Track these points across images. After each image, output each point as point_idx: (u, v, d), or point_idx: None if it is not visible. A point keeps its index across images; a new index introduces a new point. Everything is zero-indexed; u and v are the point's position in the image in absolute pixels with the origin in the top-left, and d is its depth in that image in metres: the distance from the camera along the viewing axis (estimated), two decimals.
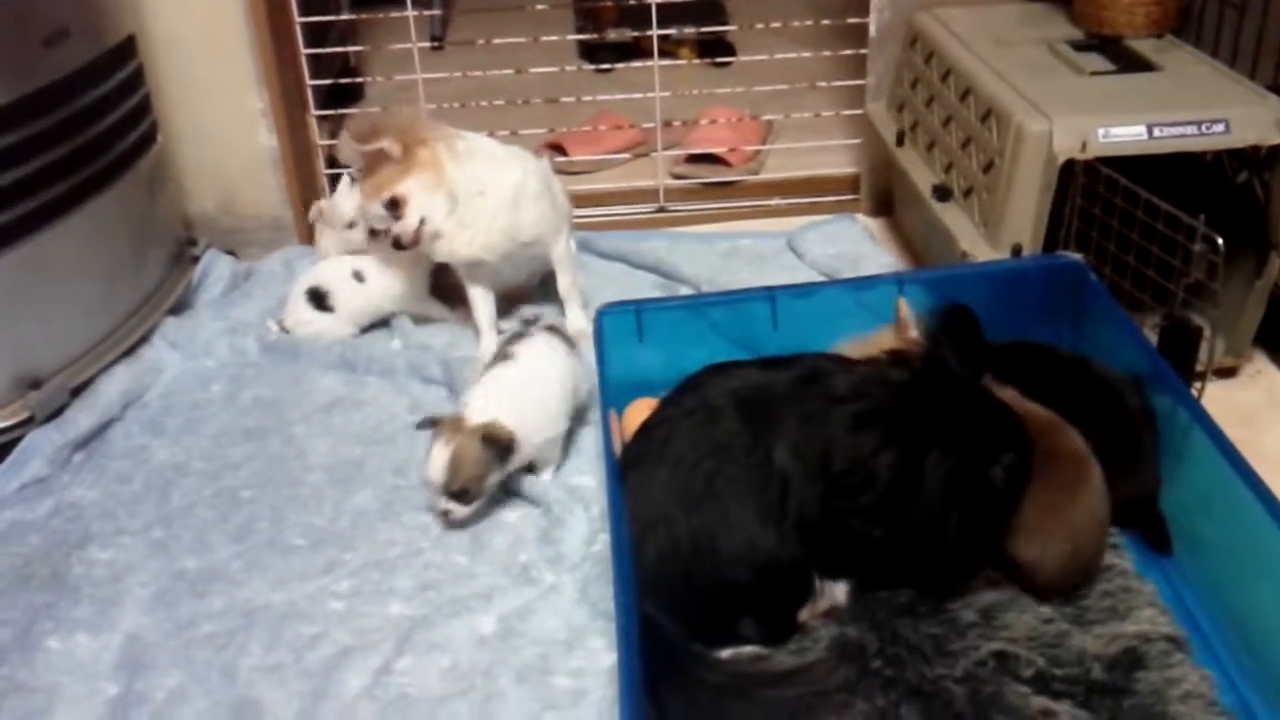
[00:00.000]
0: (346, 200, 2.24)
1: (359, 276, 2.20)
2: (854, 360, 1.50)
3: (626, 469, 1.49)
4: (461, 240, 2.04)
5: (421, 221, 1.99)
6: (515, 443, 1.70)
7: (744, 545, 1.40)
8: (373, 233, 2.15)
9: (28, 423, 1.91)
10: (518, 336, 1.86)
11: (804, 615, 1.45)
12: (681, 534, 1.41)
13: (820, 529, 1.40)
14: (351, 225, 2.25)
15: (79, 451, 1.93)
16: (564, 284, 2.21)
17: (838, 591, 1.46)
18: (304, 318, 2.21)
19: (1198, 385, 1.81)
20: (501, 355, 1.82)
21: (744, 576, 1.41)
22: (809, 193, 2.71)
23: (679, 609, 1.38)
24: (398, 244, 2.00)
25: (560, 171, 2.37)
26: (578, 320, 2.19)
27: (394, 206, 1.97)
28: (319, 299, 2.20)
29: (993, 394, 1.46)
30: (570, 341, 1.91)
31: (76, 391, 1.99)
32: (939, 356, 1.43)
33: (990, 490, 1.39)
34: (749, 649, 1.42)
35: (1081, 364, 1.69)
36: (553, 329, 1.90)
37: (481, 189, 2.03)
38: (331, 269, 2.23)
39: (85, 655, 1.54)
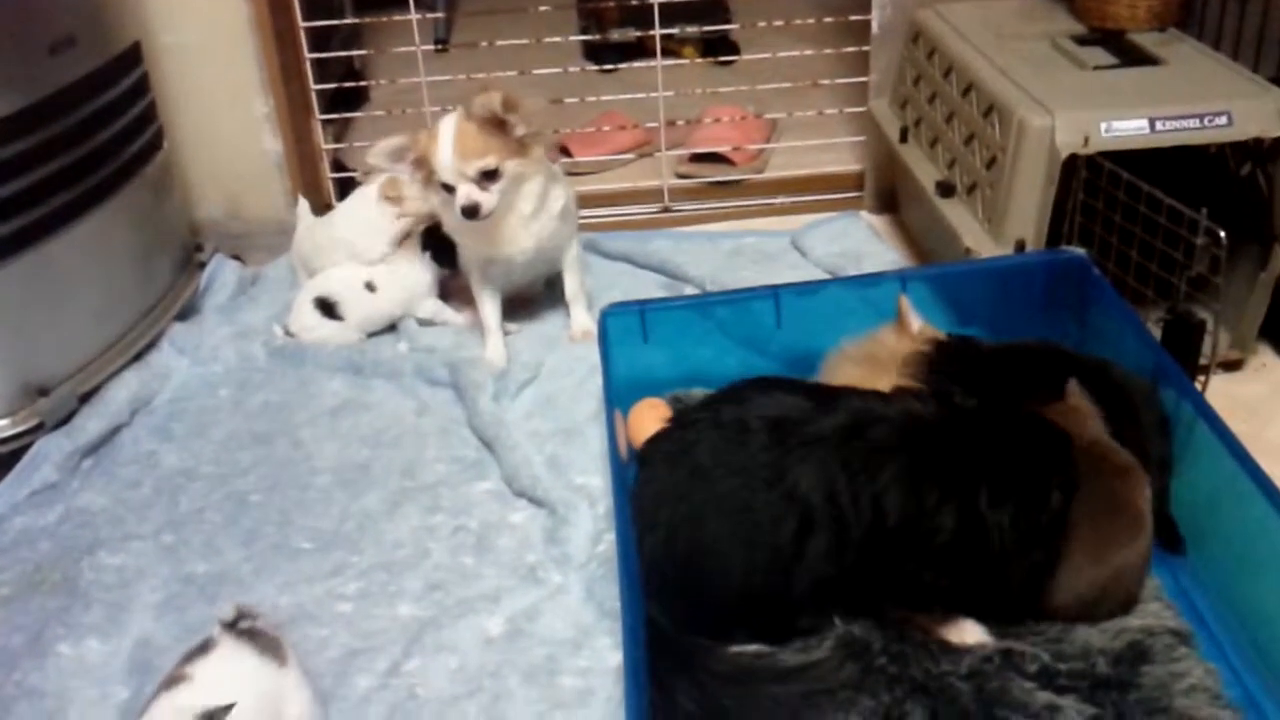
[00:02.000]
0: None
1: (370, 287, 2.22)
2: (892, 397, 1.46)
3: (644, 463, 1.48)
4: (502, 238, 2.06)
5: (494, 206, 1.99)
6: None
7: (736, 571, 1.38)
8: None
9: (37, 429, 1.92)
10: (200, 650, 1.35)
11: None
12: (679, 541, 1.40)
13: (840, 578, 1.38)
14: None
15: (88, 458, 1.94)
16: (571, 286, 2.22)
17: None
18: (310, 324, 2.21)
19: (1201, 379, 1.81)
20: (173, 679, 1.31)
21: (730, 599, 1.40)
22: (813, 190, 2.71)
23: (673, 609, 1.39)
24: (470, 212, 1.95)
25: (566, 173, 2.37)
26: (583, 321, 2.20)
27: (489, 177, 1.95)
28: (327, 308, 2.21)
29: (1033, 415, 1.44)
30: (272, 645, 1.39)
31: (85, 398, 2.00)
32: (949, 400, 1.42)
33: (1053, 516, 1.38)
34: (754, 645, 1.42)
35: (1101, 369, 1.66)
36: (248, 633, 1.37)
37: (543, 201, 2.07)
38: (340, 279, 2.23)
39: (96, 660, 1.55)
